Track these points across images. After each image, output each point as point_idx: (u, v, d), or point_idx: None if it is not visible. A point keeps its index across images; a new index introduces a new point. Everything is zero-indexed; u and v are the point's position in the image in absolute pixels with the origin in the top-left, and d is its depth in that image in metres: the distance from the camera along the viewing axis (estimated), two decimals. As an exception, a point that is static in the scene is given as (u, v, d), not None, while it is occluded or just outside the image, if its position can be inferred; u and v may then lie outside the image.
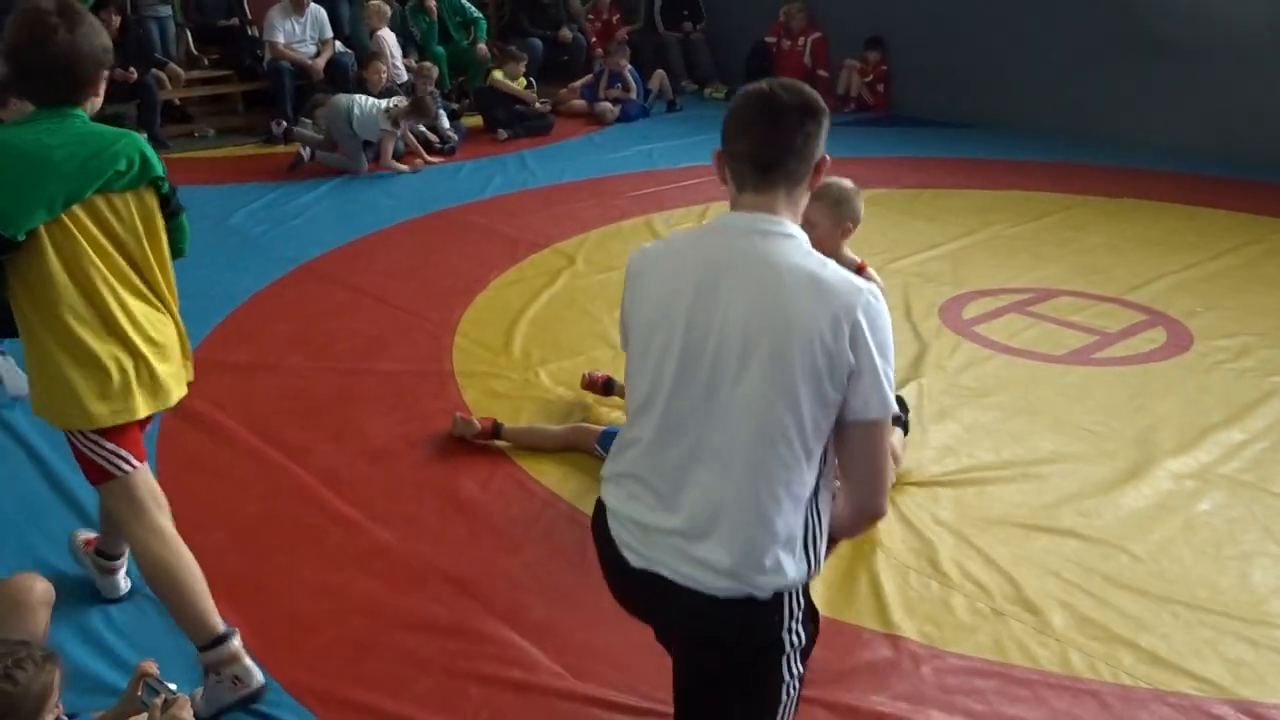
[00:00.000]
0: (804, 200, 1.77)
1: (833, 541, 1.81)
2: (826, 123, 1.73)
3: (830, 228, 3.02)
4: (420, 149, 7.45)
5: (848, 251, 3.14)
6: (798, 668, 1.76)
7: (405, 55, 8.91)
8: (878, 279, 2.98)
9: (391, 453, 3.46)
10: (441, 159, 7.59)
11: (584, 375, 3.86)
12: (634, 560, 1.75)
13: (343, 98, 7.30)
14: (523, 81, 8.52)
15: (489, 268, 5.24)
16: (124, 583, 2.72)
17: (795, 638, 1.73)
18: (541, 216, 6.14)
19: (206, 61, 9.07)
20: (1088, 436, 3.55)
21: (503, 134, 8.18)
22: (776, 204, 1.72)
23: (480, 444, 3.48)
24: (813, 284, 1.65)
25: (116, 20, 7.65)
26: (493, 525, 3.06)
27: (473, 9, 9.44)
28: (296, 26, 8.48)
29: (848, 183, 3.12)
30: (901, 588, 2.76)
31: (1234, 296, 4.82)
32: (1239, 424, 3.62)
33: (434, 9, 9.12)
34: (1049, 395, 3.86)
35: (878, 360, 1.65)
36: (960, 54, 8.72)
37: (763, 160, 1.70)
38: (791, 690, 1.77)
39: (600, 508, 1.85)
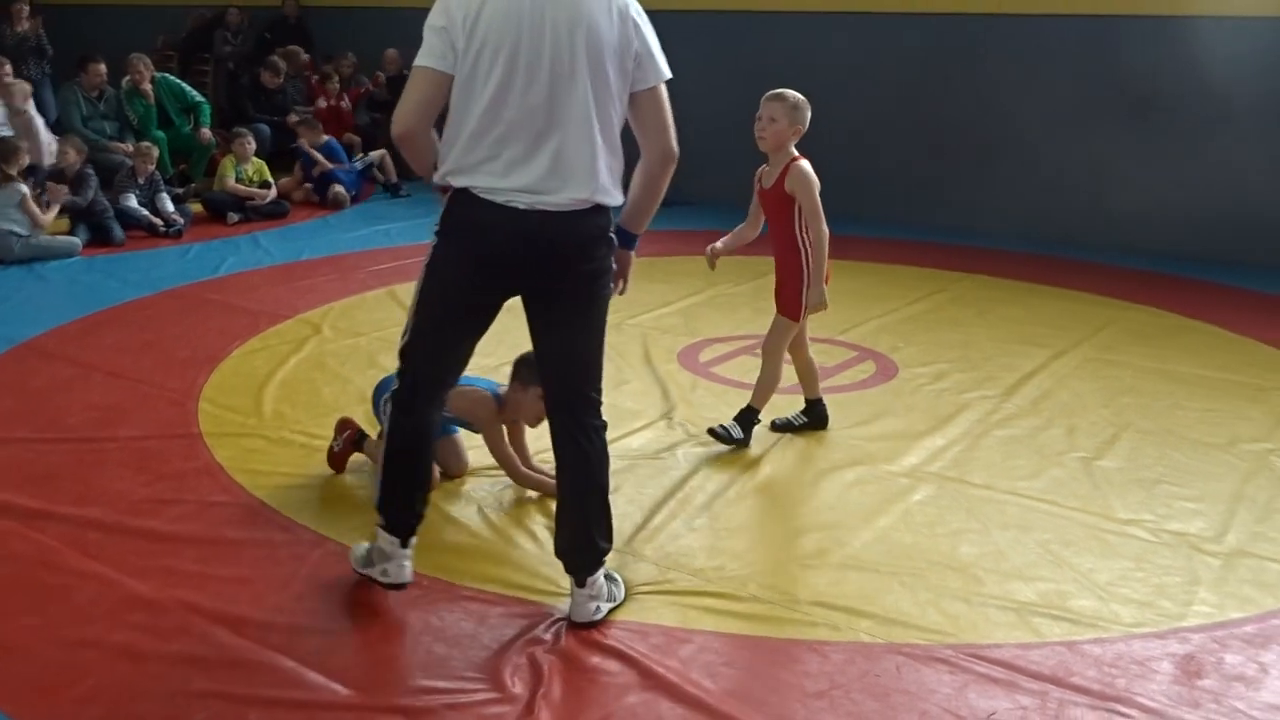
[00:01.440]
0: None
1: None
2: None
3: (785, 125, 3.83)
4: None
5: (792, 148, 3.89)
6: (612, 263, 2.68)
7: (122, 140, 8.59)
8: (809, 170, 3.84)
9: (142, 511, 3.34)
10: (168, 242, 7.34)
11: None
12: (521, 204, 2.51)
13: None
14: (257, 162, 8.36)
15: (230, 338, 5.13)
16: None
17: (612, 235, 2.65)
18: (282, 290, 6.06)
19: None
20: (819, 450, 3.94)
21: (234, 217, 7.99)
22: None
23: (243, 498, 3.44)
24: None
25: None
26: (259, 568, 3.02)
27: (194, 93, 9.22)
28: (-3, 110, 8.01)
29: (802, 97, 3.88)
30: (665, 585, 2.96)
31: (927, 333, 5.47)
32: (940, 432, 4.13)
33: (149, 92, 8.85)
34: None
35: (651, 42, 2.56)
36: (680, 139, 9.39)
37: None
38: (611, 286, 2.70)
39: (467, 196, 2.53)
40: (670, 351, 5.06)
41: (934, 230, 8.00)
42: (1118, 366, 4.98)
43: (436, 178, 2.60)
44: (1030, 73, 7.93)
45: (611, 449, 3.84)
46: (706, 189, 9.34)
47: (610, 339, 5.28)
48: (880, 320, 5.68)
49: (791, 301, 3.93)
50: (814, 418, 4.14)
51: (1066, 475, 3.77)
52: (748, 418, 3.97)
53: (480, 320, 2.70)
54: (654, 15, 2.64)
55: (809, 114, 3.87)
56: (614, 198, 2.60)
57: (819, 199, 3.86)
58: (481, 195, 2.51)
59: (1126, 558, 3.20)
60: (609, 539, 2.80)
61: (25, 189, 6.79)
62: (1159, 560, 3.18)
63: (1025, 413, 4.37)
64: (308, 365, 4.79)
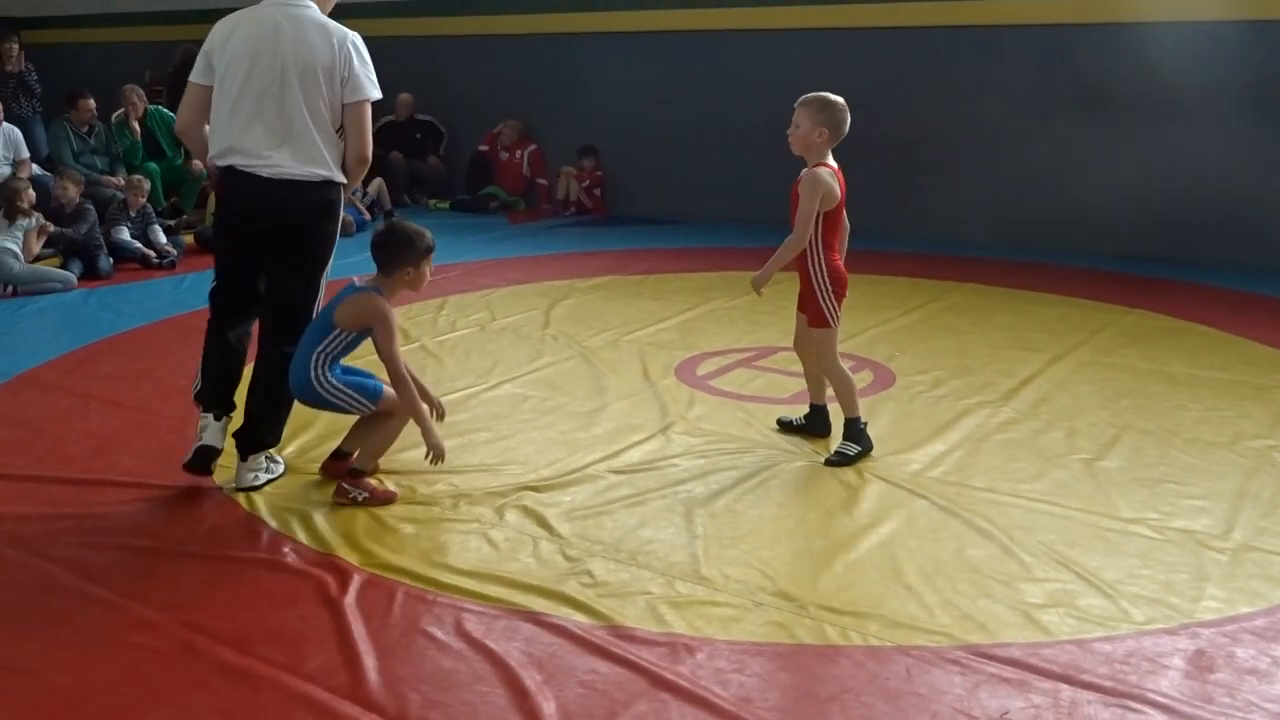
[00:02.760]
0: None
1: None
2: None
3: (808, 129, 3.71)
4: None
5: (829, 158, 3.76)
6: (336, 230, 3.62)
7: (113, 174, 8.60)
8: (834, 177, 3.75)
9: (144, 534, 3.32)
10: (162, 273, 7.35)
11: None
12: (268, 174, 3.43)
13: None
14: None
15: (227, 365, 5.11)
16: None
17: (338, 208, 3.57)
18: (277, 316, 6.04)
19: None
20: (820, 458, 3.93)
21: (226, 246, 7.99)
22: None
23: (242, 517, 3.42)
24: (320, 26, 3.47)
25: None
26: (263, 588, 3.00)
27: (185, 124, 9.23)
28: (-12, 146, 8.03)
29: (838, 98, 3.74)
30: (671, 594, 2.95)
31: (922, 342, 5.49)
32: (940, 438, 4.13)
33: (135, 128, 8.87)
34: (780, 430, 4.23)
35: (358, 66, 3.48)
36: (668, 159, 9.45)
37: None
38: (332, 245, 3.62)
39: (231, 171, 3.47)
40: (667, 366, 5.05)
41: (904, 240, 8.06)
42: (1115, 369, 4.99)
43: (209, 158, 3.58)
44: (990, 83, 8.12)
45: (613, 462, 3.90)
46: (693, 207, 9.43)
47: (607, 355, 5.33)
48: (876, 330, 5.70)
49: (816, 312, 3.90)
50: (815, 424, 4.14)
51: (1069, 477, 3.77)
52: (854, 428, 3.93)
53: (257, 258, 3.57)
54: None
55: (841, 114, 3.72)
56: (337, 175, 3.48)
57: (815, 208, 3.74)
58: (241, 169, 3.45)
59: (1133, 556, 3.19)
60: (272, 436, 3.68)
61: (37, 220, 6.92)
62: (1166, 557, 3.18)
63: (1025, 416, 4.38)
64: (305, 389, 4.77)
